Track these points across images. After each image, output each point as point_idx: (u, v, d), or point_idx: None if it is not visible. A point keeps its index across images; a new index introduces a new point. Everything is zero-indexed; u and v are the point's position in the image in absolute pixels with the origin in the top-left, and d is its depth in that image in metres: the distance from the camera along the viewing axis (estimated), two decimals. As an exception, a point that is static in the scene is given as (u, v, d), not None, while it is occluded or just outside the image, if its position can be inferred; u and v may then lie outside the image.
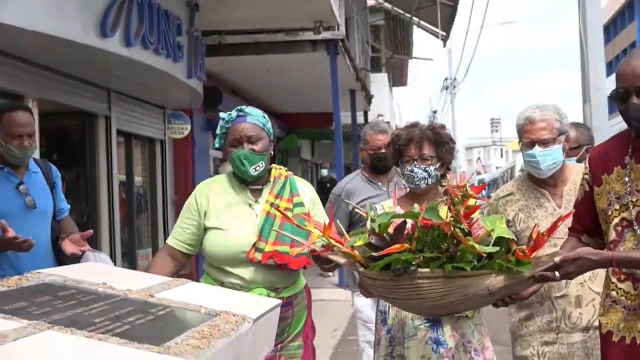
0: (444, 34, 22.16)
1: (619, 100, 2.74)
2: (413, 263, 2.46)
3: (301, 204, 3.46)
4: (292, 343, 3.45)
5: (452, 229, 2.48)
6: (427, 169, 3.44)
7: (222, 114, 3.50)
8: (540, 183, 3.68)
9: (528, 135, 3.64)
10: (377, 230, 2.59)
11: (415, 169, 3.44)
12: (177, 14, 8.62)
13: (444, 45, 24.81)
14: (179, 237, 3.47)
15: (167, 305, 2.21)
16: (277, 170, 3.54)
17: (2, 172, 3.91)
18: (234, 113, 3.44)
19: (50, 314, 1.87)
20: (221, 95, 12.78)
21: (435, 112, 58.65)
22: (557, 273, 2.57)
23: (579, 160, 4.81)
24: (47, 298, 2.06)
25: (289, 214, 3.19)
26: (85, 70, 7.58)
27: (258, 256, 3.28)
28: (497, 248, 2.49)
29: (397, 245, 2.48)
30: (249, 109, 3.45)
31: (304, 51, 11.28)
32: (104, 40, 6.67)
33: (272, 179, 3.50)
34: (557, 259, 2.56)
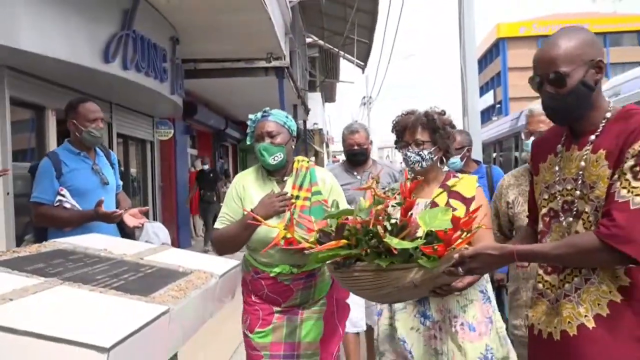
0: (362, 63, 22.32)
1: (536, 88, 2.05)
2: (351, 256, 2.06)
3: (319, 192, 2.99)
4: (315, 303, 3.02)
5: (374, 226, 2.05)
6: (421, 152, 2.81)
7: (250, 115, 3.04)
8: None
9: (527, 127, 3.09)
10: (333, 226, 2.19)
11: (409, 153, 2.83)
12: (163, 46, 8.54)
13: (363, 72, 25.01)
14: (227, 222, 2.99)
15: (154, 266, 2.19)
16: (300, 163, 3.08)
17: (79, 156, 3.66)
18: (259, 114, 3.02)
19: (63, 273, 1.84)
20: (196, 107, 12.64)
21: (356, 121, 58.68)
22: (460, 269, 1.99)
23: (462, 158, 4.49)
24: (60, 261, 2.03)
25: (307, 202, 2.92)
26: (92, 87, 7.43)
27: (282, 241, 2.67)
28: (414, 244, 1.98)
29: (333, 242, 2.09)
30: (273, 111, 3.03)
31: (259, 76, 11.22)
32: (107, 65, 6.60)
33: (294, 171, 3.04)
34: (455, 255, 1.98)
